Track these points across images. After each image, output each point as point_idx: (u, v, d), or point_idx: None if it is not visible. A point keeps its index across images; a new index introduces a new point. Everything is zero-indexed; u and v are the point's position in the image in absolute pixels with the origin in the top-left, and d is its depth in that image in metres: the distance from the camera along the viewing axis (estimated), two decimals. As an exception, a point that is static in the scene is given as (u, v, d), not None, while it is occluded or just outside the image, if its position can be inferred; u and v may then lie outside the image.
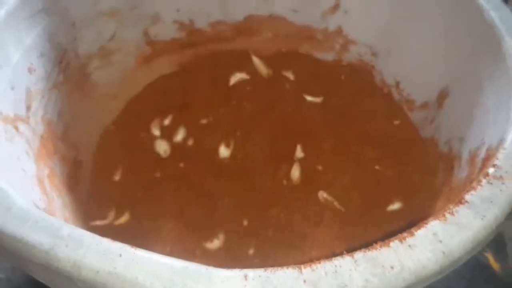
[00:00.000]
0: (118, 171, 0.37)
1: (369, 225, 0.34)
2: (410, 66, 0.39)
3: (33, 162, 0.28)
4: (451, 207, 0.19)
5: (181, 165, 0.38)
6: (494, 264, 0.36)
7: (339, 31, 0.42)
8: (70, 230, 0.18)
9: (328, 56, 0.44)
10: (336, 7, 0.41)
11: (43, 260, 0.17)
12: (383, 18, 0.38)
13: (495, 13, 0.29)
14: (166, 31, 0.42)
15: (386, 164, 0.37)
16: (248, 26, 0.43)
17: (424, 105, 0.38)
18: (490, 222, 0.18)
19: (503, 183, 0.20)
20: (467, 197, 0.19)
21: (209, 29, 0.43)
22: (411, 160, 0.37)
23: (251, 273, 0.17)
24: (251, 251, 0.32)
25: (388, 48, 0.40)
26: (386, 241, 0.18)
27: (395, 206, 0.35)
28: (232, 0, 0.41)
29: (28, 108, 0.30)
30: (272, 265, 0.17)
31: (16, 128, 0.28)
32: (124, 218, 0.34)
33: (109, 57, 0.39)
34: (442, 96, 0.36)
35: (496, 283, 0.36)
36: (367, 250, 0.17)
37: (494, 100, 0.27)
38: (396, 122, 0.40)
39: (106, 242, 0.17)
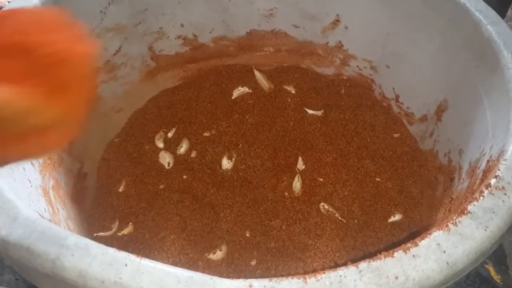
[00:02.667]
0: (122, 183, 0.37)
1: (370, 237, 0.34)
2: (409, 80, 0.39)
3: (38, 172, 0.29)
4: (454, 217, 0.19)
5: (184, 177, 0.38)
6: (495, 276, 0.36)
7: (339, 46, 0.43)
8: (76, 239, 0.18)
9: (328, 71, 0.45)
10: (336, 22, 0.41)
11: (49, 270, 0.17)
12: (382, 33, 0.39)
13: (492, 28, 0.30)
14: (170, 46, 0.42)
15: (386, 176, 0.38)
16: (251, 41, 0.44)
17: (423, 118, 0.39)
18: (493, 233, 0.19)
19: (505, 194, 0.20)
20: (470, 207, 0.19)
21: (213, 44, 0.44)
22: (410, 172, 0.38)
23: (256, 283, 0.17)
24: (253, 262, 0.32)
25: (387, 62, 0.41)
26: (390, 251, 0.18)
27: (396, 217, 0.35)
28: (235, 16, 0.42)
29: (34, 120, 0.30)
30: (275, 276, 0.17)
31: (22, 139, 0.28)
32: (127, 230, 0.34)
33: (114, 71, 0.39)
34: (441, 109, 0.36)
35: (498, 297, 0.35)
36: (371, 260, 0.17)
37: (493, 113, 0.28)
38: (396, 135, 0.41)
39: (112, 251, 0.17)
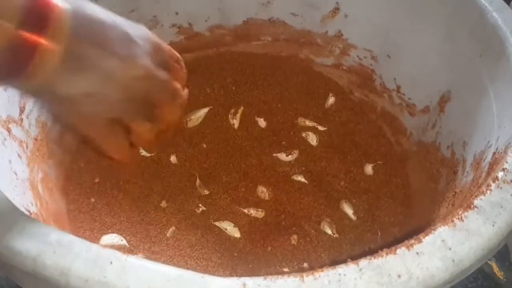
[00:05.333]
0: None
1: (373, 233, 0.33)
2: (411, 70, 0.38)
3: (25, 165, 0.28)
4: (459, 212, 0.18)
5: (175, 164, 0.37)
6: (498, 273, 0.35)
7: (339, 35, 0.42)
8: (59, 235, 0.17)
9: (327, 61, 0.44)
10: (336, 11, 0.40)
11: (29, 268, 0.16)
12: (383, 22, 0.38)
13: (498, 15, 0.29)
14: (165, 35, 0.41)
15: (388, 172, 0.37)
16: (248, 30, 0.43)
17: (426, 110, 0.38)
18: (501, 229, 0.18)
19: (513, 188, 0.19)
20: (476, 202, 0.18)
21: (208, 33, 0.43)
22: (412, 167, 0.37)
23: (250, 281, 0.16)
24: (250, 257, 0.31)
25: (388, 52, 0.40)
26: (393, 248, 0.17)
27: (398, 213, 0.34)
28: (232, 4, 0.41)
29: (22, 110, 0.29)
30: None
31: (8, 130, 0.27)
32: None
33: (106, 60, 0.38)
34: (444, 100, 0.35)
35: (500, 292, 0.35)
36: (372, 258, 0.16)
37: (499, 103, 0.27)
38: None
39: (96, 248, 0.16)
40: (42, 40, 0.17)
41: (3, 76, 0.17)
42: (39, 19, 0.17)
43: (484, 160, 0.25)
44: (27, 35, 0.17)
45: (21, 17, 0.16)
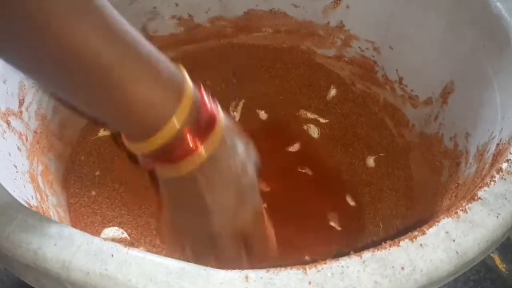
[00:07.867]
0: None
1: (375, 225, 0.33)
2: (413, 62, 0.38)
3: (25, 158, 0.27)
4: (463, 204, 0.18)
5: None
6: (500, 265, 0.35)
7: (340, 26, 0.41)
8: (60, 228, 0.17)
9: (329, 52, 0.43)
10: (337, 1, 0.40)
11: (30, 260, 0.16)
12: (385, 13, 0.37)
13: (502, 5, 0.28)
14: (165, 27, 0.41)
15: (391, 164, 0.36)
16: (248, 21, 0.42)
17: (428, 101, 0.37)
18: (505, 220, 0.18)
19: (517, 179, 0.19)
20: (480, 193, 0.18)
21: (209, 24, 0.42)
22: (414, 159, 0.37)
23: (252, 274, 0.16)
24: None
25: (390, 43, 0.39)
26: (396, 240, 0.17)
27: (401, 205, 0.34)
28: (232, -5, 0.41)
29: (21, 102, 0.29)
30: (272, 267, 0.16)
31: (8, 122, 0.27)
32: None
33: (105, 52, 0.38)
34: (447, 92, 0.35)
35: (502, 285, 0.35)
36: (375, 250, 0.16)
37: (503, 94, 0.27)
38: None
39: (97, 241, 0.16)
40: (199, 147, 0.19)
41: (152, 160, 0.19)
42: (205, 128, 0.19)
43: (488, 152, 0.25)
44: (190, 137, 0.18)
45: (191, 122, 0.18)
